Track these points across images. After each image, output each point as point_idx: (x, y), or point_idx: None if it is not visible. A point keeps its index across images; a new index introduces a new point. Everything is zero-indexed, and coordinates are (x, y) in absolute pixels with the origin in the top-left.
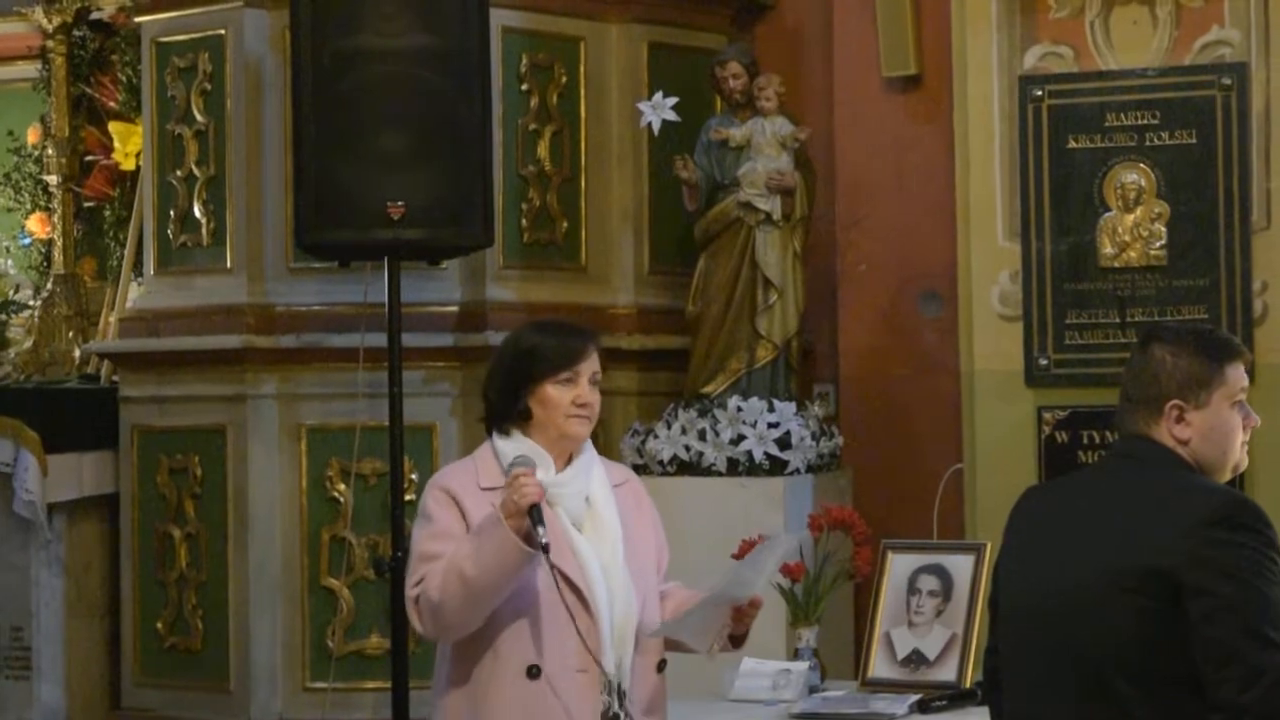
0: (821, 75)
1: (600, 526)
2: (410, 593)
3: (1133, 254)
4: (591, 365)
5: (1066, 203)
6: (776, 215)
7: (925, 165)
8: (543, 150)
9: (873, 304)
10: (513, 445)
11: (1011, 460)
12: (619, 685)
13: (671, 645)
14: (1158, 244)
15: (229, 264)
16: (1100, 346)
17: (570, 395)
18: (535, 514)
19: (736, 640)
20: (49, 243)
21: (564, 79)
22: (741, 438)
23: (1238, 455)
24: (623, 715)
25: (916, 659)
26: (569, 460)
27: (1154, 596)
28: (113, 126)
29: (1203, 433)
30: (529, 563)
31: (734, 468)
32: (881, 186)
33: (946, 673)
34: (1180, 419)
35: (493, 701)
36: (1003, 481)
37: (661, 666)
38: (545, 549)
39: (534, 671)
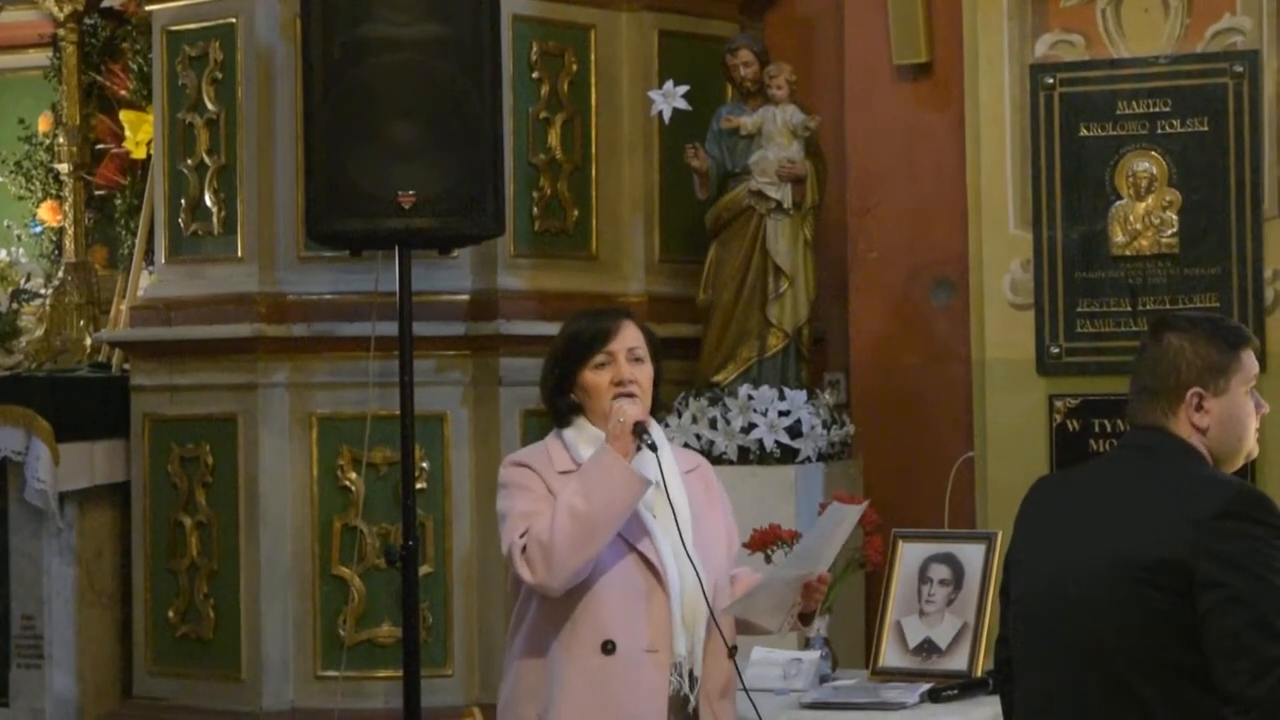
0: (832, 63)
1: (669, 511)
2: (516, 543)
3: (1144, 242)
4: (626, 341)
5: (1078, 191)
6: (787, 203)
7: (936, 153)
8: (553, 139)
9: (884, 292)
10: (575, 432)
11: (1023, 449)
12: (690, 669)
13: (743, 627)
14: (1169, 232)
15: (240, 253)
16: (1112, 335)
17: (608, 376)
18: (639, 430)
19: (805, 618)
20: (60, 231)
21: (575, 67)
22: (752, 426)
23: (1251, 442)
24: (691, 698)
25: (928, 648)
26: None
27: (1165, 588)
28: (124, 115)
29: (1221, 420)
30: (640, 487)
31: (745, 456)
32: (892, 175)
33: (958, 662)
34: (1200, 406)
35: (566, 674)
36: (1014, 470)
37: (733, 653)
38: (653, 448)
39: (609, 647)
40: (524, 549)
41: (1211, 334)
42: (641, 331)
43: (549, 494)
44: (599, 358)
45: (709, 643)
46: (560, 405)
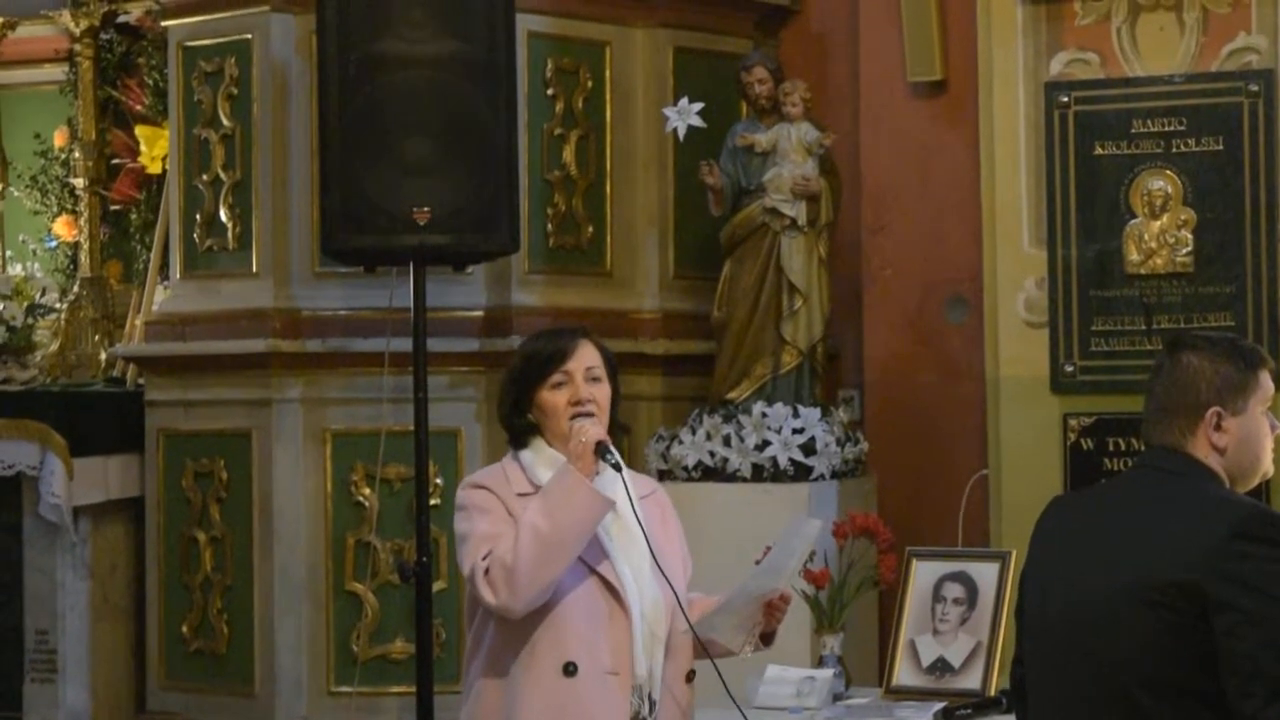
0: (847, 80)
1: (629, 533)
2: (479, 565)
3: (1159, 261)
4: (583, 361)
5: (1093, 209)
6: (802, 221)
7: (951, 171)
8: (568, 155)
9: (898, 310)
10: (533, 453)
11: (1037, 467)
12: (649, 692)
13: (702, 651)
14: (1184, 251)
15: (255, 268)
16: (1126, 353)
17: (565, 396)
18: (601, 449)
19: (767, 639)
20: (75, 246)
21: (589, 84)
22: (766, 443)
23: (1267, 463)
24: None
25: (941, 667)
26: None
27: (1179, 610)
28: (139, 130)
29: (1239, 439)
30: (603, 507)
31: (759, 474)
32: (907, 192)
33: (971, 681)
34: (1219, 426)
35: (527, 697)
36: (1028, 488)
37: (690, 677)
38: (617, 468)
39: (570, 669)
40: (486, 571)
41: (1230, 354)
42: (599, 351)
43: (509, 516)
44: (556, 377)
45: (669, 665)
46: (516, 425)
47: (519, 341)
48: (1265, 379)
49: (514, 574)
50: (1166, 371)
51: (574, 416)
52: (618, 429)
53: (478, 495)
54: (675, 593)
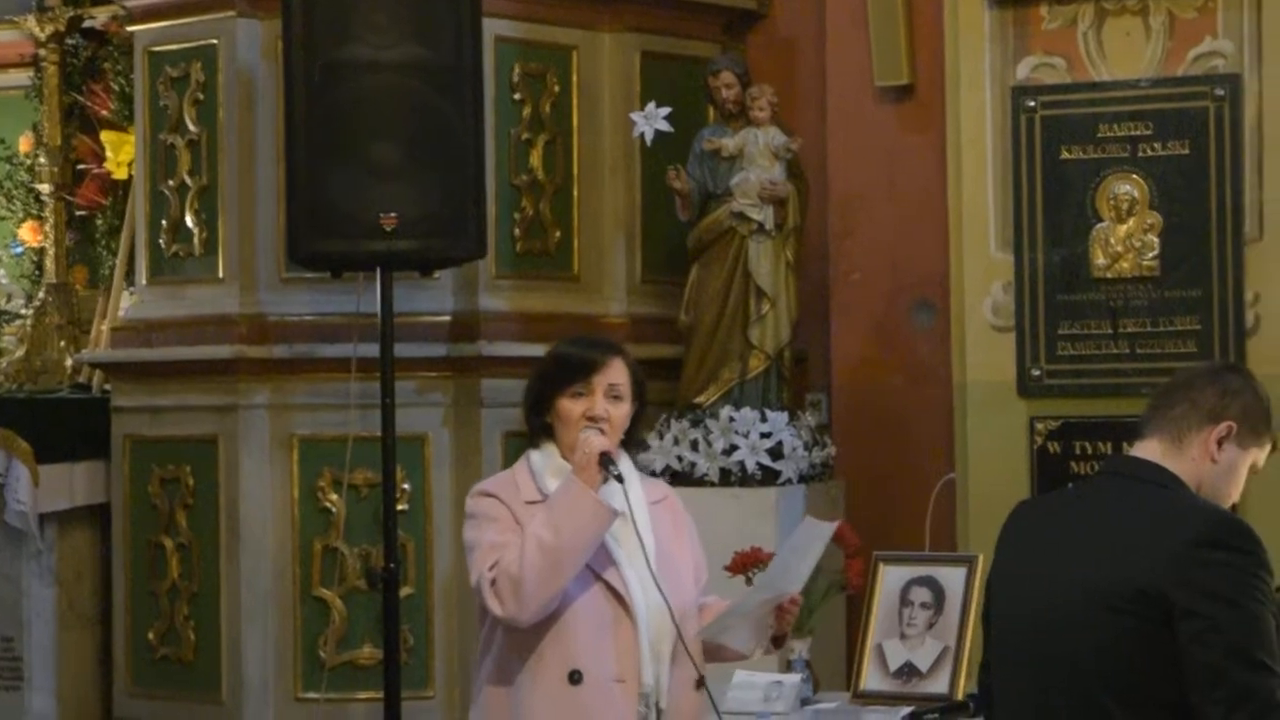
0: (814, 84)
1: (636, 541)
2: (485, 575)
3: (1125, 265)
4: (608, 378)
5: (1059, 213)
6: (769, 225)
7: (918, 175)
8: (535, 160)
9: (865, 314)
10: (543, 458)
11: (1003, 471)
12: (656, 700)
13: (715, 654)
14: (1150, 255)
15: (221, 274)
16: (1093, 357)
17: (582, 408)
18: (605, 461)
19: (778, 641)
20: (41, 251)
21: (557, 88)
22: (734, 448)
23: (1234, 500)
24: None
25: (908, 671)
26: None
27: (1144, 617)
28: (105, 135)
29: (1226, 467)
30: (608, 518)
31: (726, 478)
32: (874, 196)
33: (939, 685)
34: (1222, 443)
35: (533, 704)
36: (995, 492)
37: (700, 684)
38: (619, 479)
39: (576, 677)
40: (493, 581)
41: (1266, 404)
42: (628, 369)
43: (516, 524)
44: (577, 387)
45: (676, 673)
46: (534, 424)
47: (486, 346)
48: (1267, 448)
49: (520, 585)
50: (1203, 376)
51: (584, 428)
52: (635, 444)
53: (485, 503)
54: (668, 602)
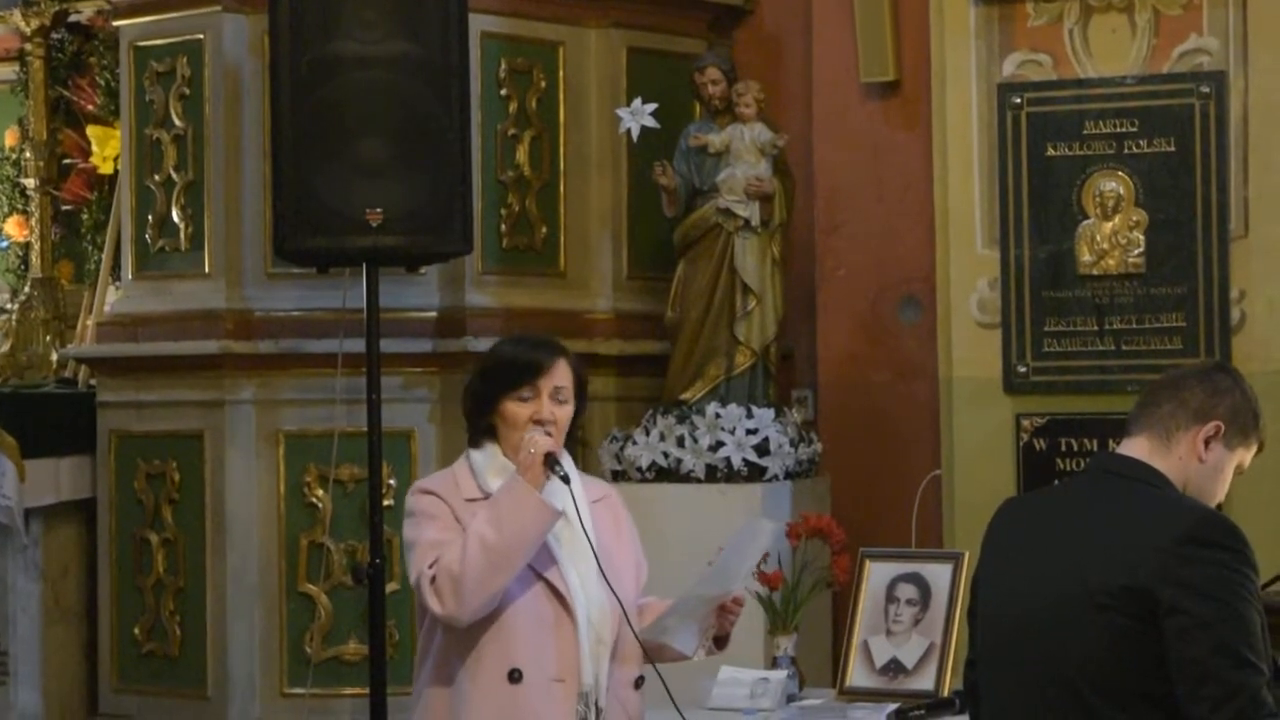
0: (800, 81)
1: (577, 540)
2: (425, 573)
3: (1111, 262)
4: (554, 380)
5: (1045, 210)
6: (755, 221)
7: (904, 172)
8: (522, 156)
9: (851, 310)
10: (485, 457)
11: (990, 467)
12: (595, 699)
13: (654, 656)
14: (1136, 252)
15: (207, 269)
16: (1079, 354)
17: (528, 411)
18: (550, 461)
19: (721, 642)
20: (26, 246)
21: (543, 84)
22: (720, 444)
23: (1219, 499)
24: None
25: (895, 668)
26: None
27: (1130, 614)
28: (91, 130)
29: (1213, 466)
30: (551, 518)
31: (713, 474)
32: (860, 193)
33: (924, 681)
34: (1209, 443)
35: (472, 704)
36: (981, 488)
37: (639, 684)
38: (565, 479)
39: (515, 676)
40: (433, 579)
41: (1252, 402)
42: (572, 371)
43: (456, 522)
44: (524, 391)
45: (616, 672)
46: (478, 425)
47: (473, 342)
48: (1253, 449)
49: (460, 583)
50: (1193, 376)
51: (529, 429)
52: (576, 443)
53: (425, 501)
54: (620, 600)
